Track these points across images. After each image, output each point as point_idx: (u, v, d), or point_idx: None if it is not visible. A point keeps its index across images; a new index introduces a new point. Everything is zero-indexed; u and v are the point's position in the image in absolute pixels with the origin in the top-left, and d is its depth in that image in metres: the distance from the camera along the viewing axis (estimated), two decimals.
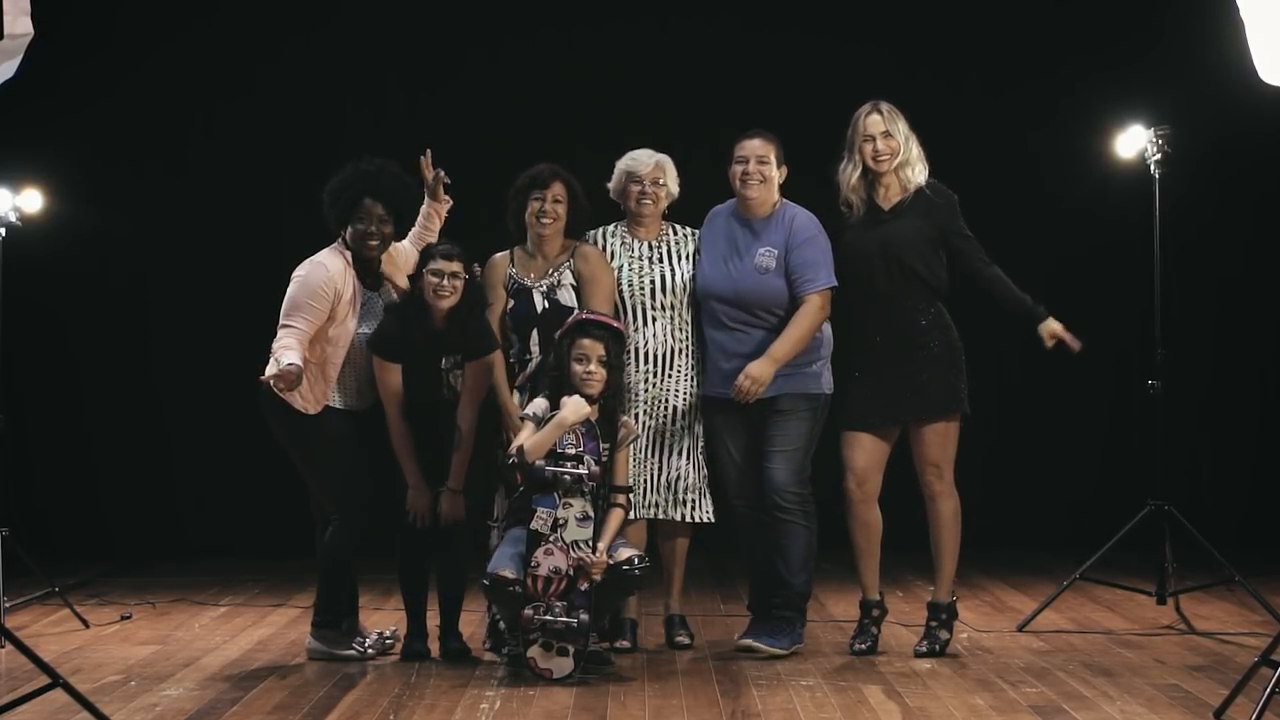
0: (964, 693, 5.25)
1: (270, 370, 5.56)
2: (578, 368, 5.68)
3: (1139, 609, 6.72)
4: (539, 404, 5.72)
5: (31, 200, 7.14)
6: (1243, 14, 4.84)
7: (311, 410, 5.81)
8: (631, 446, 5.91)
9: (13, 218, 7.00)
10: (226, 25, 8.64)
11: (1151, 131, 6.63)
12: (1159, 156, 6.60)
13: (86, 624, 6.62)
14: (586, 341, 5.70)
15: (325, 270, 5.80)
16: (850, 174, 5.95)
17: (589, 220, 6.18)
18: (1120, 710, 4.96)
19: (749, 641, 5.99)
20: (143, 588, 7.58)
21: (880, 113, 5.91)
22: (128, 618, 6.85)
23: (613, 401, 5.76)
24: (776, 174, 6.07)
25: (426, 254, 5.87)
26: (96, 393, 8.77)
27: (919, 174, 5.93)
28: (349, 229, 5.88)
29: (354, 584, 6.10)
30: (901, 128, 5.91)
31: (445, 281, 5.78)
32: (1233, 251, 8.72)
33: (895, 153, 5.89)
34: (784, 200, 6.11)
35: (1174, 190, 6.70)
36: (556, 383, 5.74)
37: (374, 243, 5.88)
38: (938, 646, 5.91)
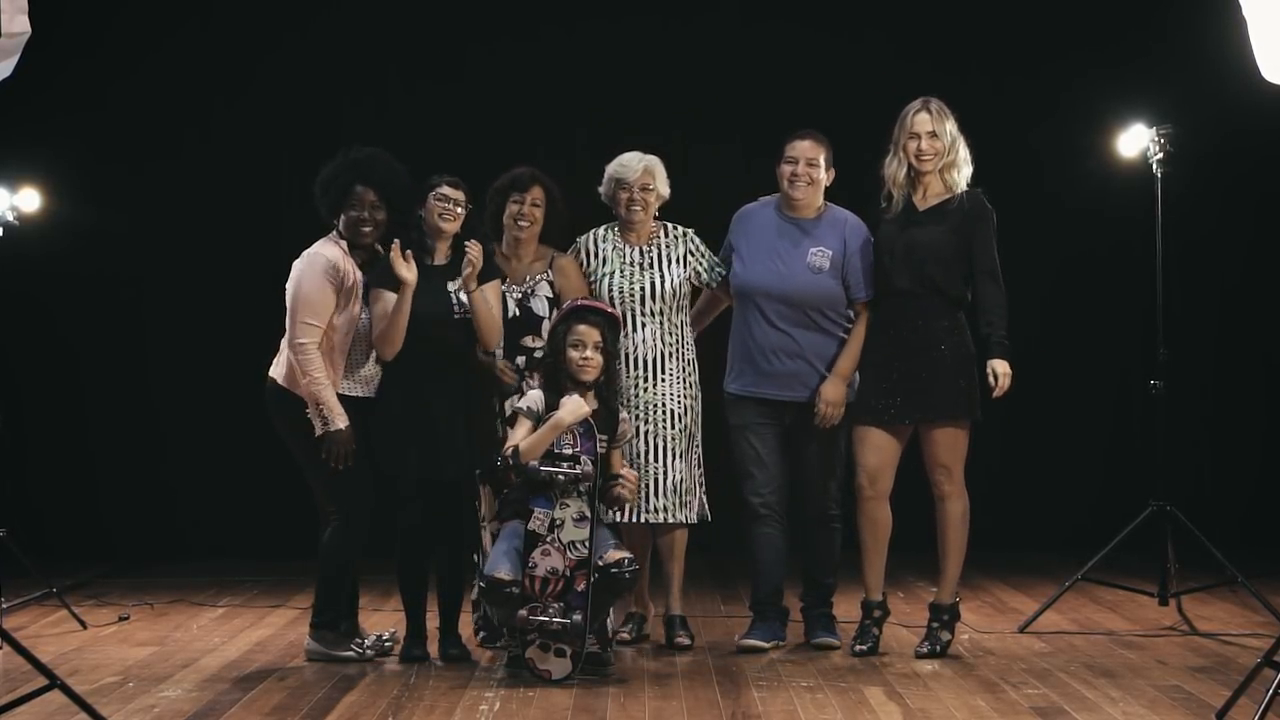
0: (965, 694, 5.23)
1: (319, 427, 5.72)
2: (574, 354, 5.66)
3: (1141, 610, 6.70)
4: (534, 397, 5.69)
5: (29, 199, 7.15)
6: (1244, 12, 4.82)
7: None
8: (626, 447, 5.90)
9: (10, 217, 7.00)
10: (224, 24, 8.63)
11: (1154, 130, 6.61)
12: (1161, 155, 6.58)
13: (84, 625, 6.60)
14: (582, 327, 5.69)
15: (325, 259, 5.82)
16: (895, 170, 5.92)
17: (566, 224, 6.18)
18: (1122, 712, 4.94)
19: (752, 641, 6.00)
20: (141, 588, 7.56)
21: (929, 111, 5.87)
22: (125, 619, 6.83)
23: (608, 389, 5.74)
24: (824, 176, 6.06)
25: (430, 183, 5.88)
26: (94, 393, 8.76)
27: (964, 176, 5.89)
28: (342, 217, 5.90)
29: (354, 585, 6.09)
30: (950, 128, 5.86)
31: (451, 206, 5.82)
32: (1235, 251, 8.71)
33: (940, 153, 5.85)
34: (828, 203, 6.11)
35: (1176, 189, 6.68)
36: (552, 370, 5.73)
37: (367, 229, 5.89)
38: (939, 648, 5.88)
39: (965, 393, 5.84)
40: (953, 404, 5.84)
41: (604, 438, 5.67)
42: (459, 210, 5.85)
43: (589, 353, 5.67)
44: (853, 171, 6.17)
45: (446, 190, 5.85)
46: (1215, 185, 8.42)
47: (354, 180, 5.87)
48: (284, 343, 5.89)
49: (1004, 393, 5.81)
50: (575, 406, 5.59)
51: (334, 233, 5.92)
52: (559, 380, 5.70)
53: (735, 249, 6.15)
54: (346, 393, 5.85)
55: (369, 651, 5.89)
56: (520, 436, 5.60)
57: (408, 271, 5.72)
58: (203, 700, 5.22)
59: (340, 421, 5.73)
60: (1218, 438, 8.80)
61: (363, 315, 5.87)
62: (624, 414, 5.85)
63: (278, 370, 5.89)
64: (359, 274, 5.88)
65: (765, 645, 6.01)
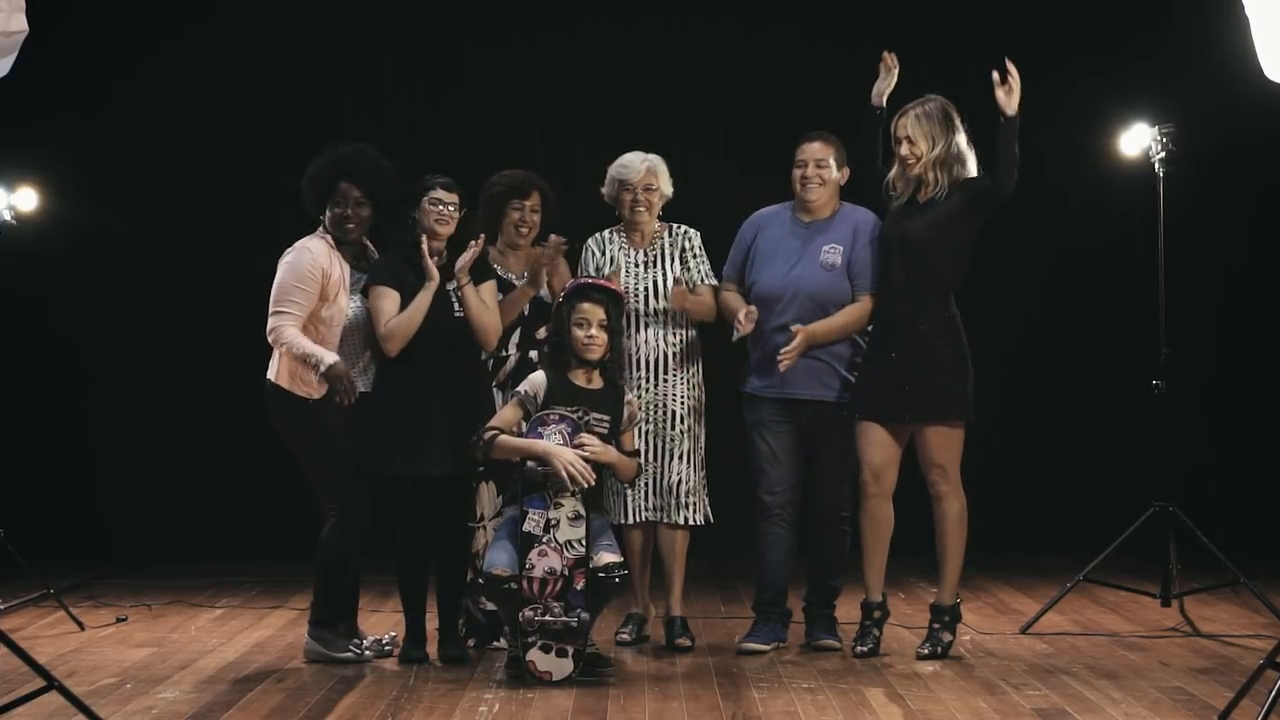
0: (967, 695, 5.21)
1: (320, 377, 5.71)
2: (579, 333, 5.65)
3: (1143, 611, 6.69)
4: (536, 381, 5.67)
5: (26, 199, 7.13)
6: (1247, 11, 4.80)
7: (315, 395, 5.79)
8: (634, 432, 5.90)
9: (8, 216, 6.99)
10: (224, 25, 8.60)
11: (1156, 129, 6.61)
12: (1163, 154, 6.58)
13: (82, 626, 6.58)
14: (586, 305, 5.67)
15: (310, 254, 5.84)
16: (892, 167, 5.95)
17: (558, 221, 6.18)
18: (1124, 713, 4.92)
19: (753, 645, 5.99)
20: (138, 589, 7.55)
21: (907, 115, 5.87)
22: (123, 620, 6.81)
23: (613, 367, 5.73)
24: (836, 176, 6.06)
25: (424, 186, 5.87)
26: (93, 393, 8.74)
27: (963, 171, 5.86)
28: (327, 213, 5.91)
29: (355, 585, 6.08)
30: (930, 130, 5.81)
31: (444, 209, 5.81)
32: (1236, 249, 8.69)
33: (919, 157, 5.84)
34: (844, 202, 6.11)
35: (1178, 188, 6.67)
36: (557, 350, 5.71)
37: (351, 225, 5.91)
38: (940, 649, 5.86)
39: (957, 392, 5.83)
40: (945, 404, 5.82)
41: (607, 418, 5.65)
42: (453, 212, 5.85)
43: (594, 331, 5.66)
44: (856, 177, 6.16)
45: (440, 194, 5.84)
46: (1217, 183, 8.39)
47: (338, 177, 5.89)
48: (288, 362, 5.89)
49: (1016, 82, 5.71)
50: (571, 457, 5.52)
51: (321, 228, 5.92)
52: (564, 360, 5.69)
53: (749, 254, 6.13)
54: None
55: (367, 653, 5.87)
56: (506, 419, 5.59)
57: (436, 271, 5.76)
58: (201, 702, 5.21)
59: (329, 358, 5.72)
60: (1219, 438, 8.77)
61: (353, 306, 5.86)
62: (630, 395, 5.82)
63: (273, 371, 5.88)
64: (345, 268, 5.88)
65: (765, 648, 6.00)
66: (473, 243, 5.80)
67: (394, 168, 5.96)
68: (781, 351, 5.87)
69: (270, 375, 5.89)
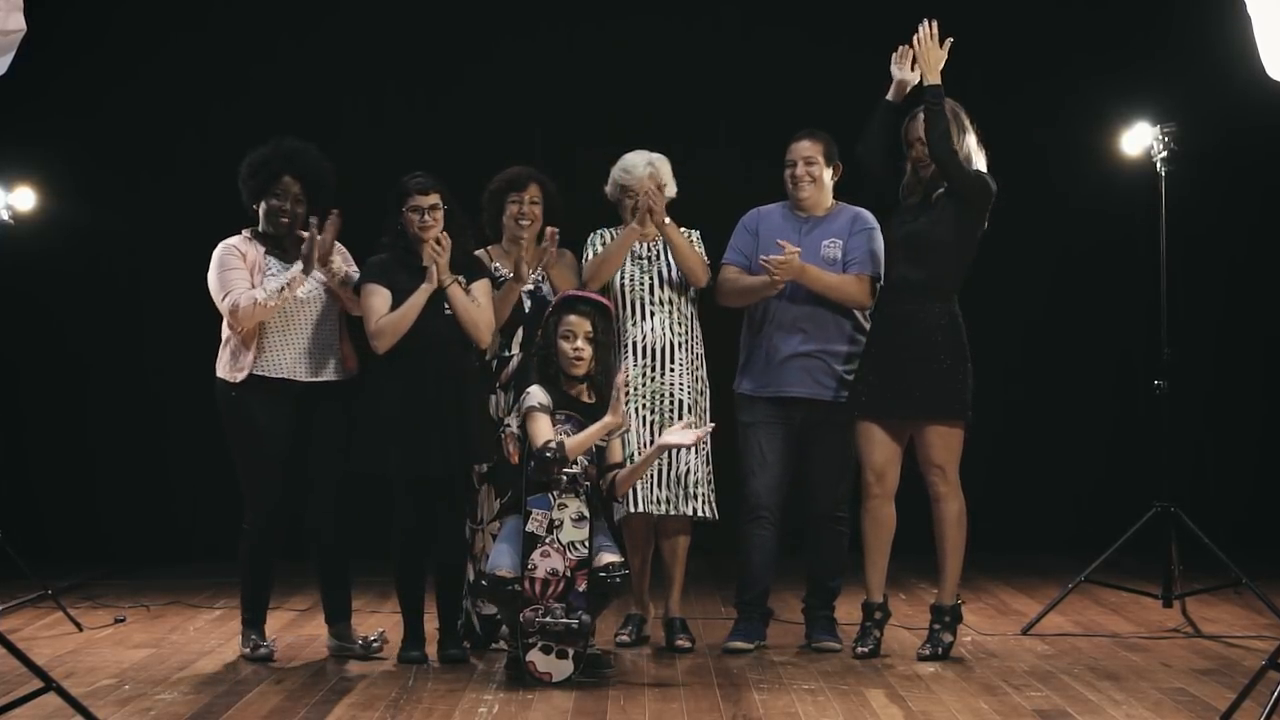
0: (968, 696, 5.19)
1: (298, 285, 5.78)
2: (565, 345, 5.63)
3: (1145, 612, 6.68)
4: (538, 393, 5.64)
5: (24, 198, 7.12)
6: (1249, 9, 4.78)
7: (239, 377, 5.84)
8: (625, 438, 5.87)
9: (6, 216, 6.98)
10: (222, 27, 8.58)
11: (1157, 128, 6.60)
12: (1165, 153, 6.57)
13: (80, 627, 6.57)
14: (573, 317, 5.66)
15: (223, 246, 5.94)
16: (908, 170, 5.97)
17: (561, 218, 6.15)
18: (1126, 714, 4.91)
19: (737, 644, 6.00)
20: (136, 590, 7.53)
21: (918, 118, 5.88)
22: (121, 621, 6.79)
23: (602, 380, 5.70)
24: (827, 173, 6.07)
25: (402, 191, 5.85)
26: (91, 393, 8.71)
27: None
28: (263, 204, 5.94)
29: (347, 587, 6.10)
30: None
31: (426, 216, 5.79)
32: (1239, 249, 8.68)
33: (926, 160, 5.88)
34: (840, 202, 6.13)
35: (1180, 187, 6.66)
36: (545, 362, 5.69)
37: (285, 220, 5.94)
38: (941, 649, 5.85)
39: (955, 392, 5.82)
40: (942, 403, 5.81)
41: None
42: (435, 214, 5.81)
43: (580, 343, 5.63)
44: (851, 175, 6.15)
45: (416, 200, 5.81)
46: (1219, 183, 8.39)
47: (283, 170, 5.92)
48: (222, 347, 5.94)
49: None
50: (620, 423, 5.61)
51: (246, 231, 5.96)
52: (554, 373, 5.67)
53: (747, 250, 6.11)
54: (268, 373, 5.86)
55: (375, 645, 5.93)
56: (547, 431, 5.55)
57: (436, 278, 5.74)
58: (199, 703, 5.19)
59: (296, 267, 5.77)
60: (1221, 438, 8.76)
61: (318, 288, 5.88)
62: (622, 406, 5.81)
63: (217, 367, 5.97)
64: (260, 251, 5.91)
65: (750, 646, 6.01)
66: (436, 245, 5.75)
67: (334, 171, 5.99)
68: (770, 257, 5.86)
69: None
